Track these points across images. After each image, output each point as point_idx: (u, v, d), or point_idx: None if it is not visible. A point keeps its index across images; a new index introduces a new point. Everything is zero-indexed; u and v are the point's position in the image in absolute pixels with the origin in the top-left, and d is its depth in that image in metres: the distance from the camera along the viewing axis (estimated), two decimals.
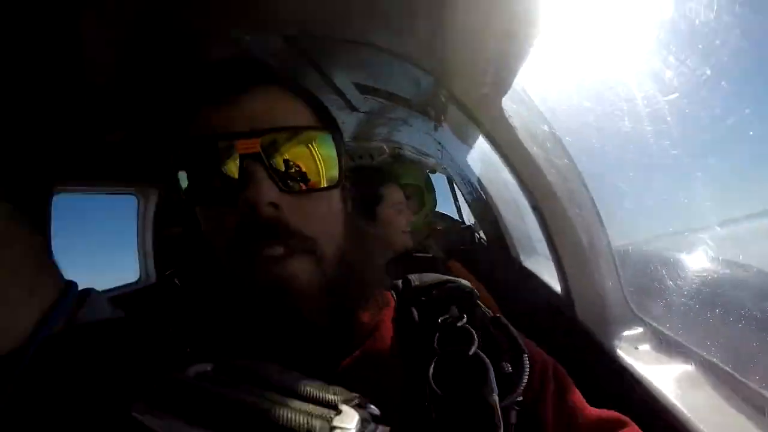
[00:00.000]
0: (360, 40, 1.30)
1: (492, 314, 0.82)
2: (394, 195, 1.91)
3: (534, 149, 1.30)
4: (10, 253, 0.51)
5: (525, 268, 2.10)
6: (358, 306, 0.75)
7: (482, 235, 3.22)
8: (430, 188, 2.65)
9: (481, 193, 2.43)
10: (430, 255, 2.05)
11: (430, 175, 2.95)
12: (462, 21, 0.96)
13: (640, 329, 1.29)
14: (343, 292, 0.71)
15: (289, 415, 0.45)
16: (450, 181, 3.49)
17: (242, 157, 0.64)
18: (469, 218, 3.65)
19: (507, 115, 1.23)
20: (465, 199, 3.29)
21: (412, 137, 2.73)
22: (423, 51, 1.29)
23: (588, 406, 0.77)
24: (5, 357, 0.46)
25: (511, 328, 0.79)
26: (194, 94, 0.73)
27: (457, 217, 3.77)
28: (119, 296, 2.05)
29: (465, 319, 0.76)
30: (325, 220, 0.71)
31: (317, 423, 0.45)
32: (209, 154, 0.66)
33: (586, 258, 1.35)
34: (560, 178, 1.33)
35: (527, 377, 0.72)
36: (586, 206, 1.34)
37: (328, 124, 0.76)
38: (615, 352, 1.24)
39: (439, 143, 2.44)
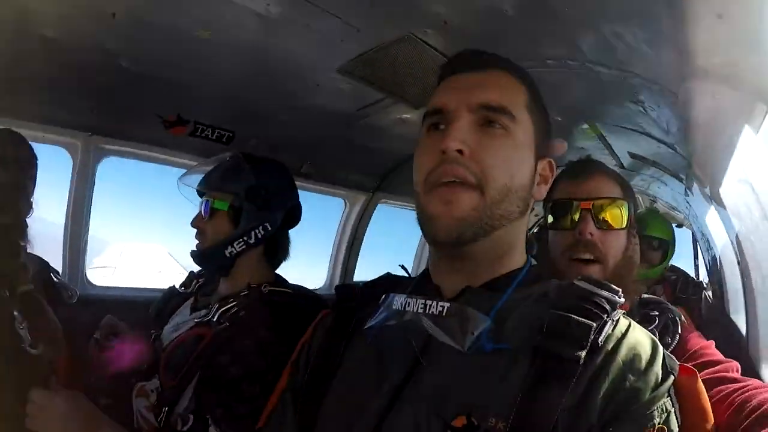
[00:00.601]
0: (637, 129, 2.05)
1: (674, 316, 1.28)
2: None
3: (742, 228, 1.83)
4: None
5: (731, 319, 2.51)
6: None
7: (710, 294, 3.50)
8: (674, 244, 3.10)
9: (715, 251, 2.84)
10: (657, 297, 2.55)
11: (676, 228, 3.37)
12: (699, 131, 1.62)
13: None
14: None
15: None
16: (694, 238, 3.79)
17: (582, 210, 1.27)
18: (704, 277, 3.90)
19: (723, 198, 1.81)
20: (703, 257, 3.60)
21: (666, 193, 3.22)
22: (678, 143, 1.97)
23: (704, 354, 1.19)
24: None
25: (680, 323, 1.27)
26: (563, 177, 1.36)
27: (693, 272, 4.04)
28: None
29: (657, 314, 1.27)
30: (614, 247, 1.27)
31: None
32: (566, 207, 1.29)
33: (765, 314, 1.82)
34: (760, 257, 1.76)
35: (674, 346, 1.22)
36: None
37: (628, 195, 1.33)
38: (762, 373, 1.72)
39: (688, 202, 2.93)
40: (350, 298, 1.05)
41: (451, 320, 0.82)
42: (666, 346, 1.17)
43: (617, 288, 0.85)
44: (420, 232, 0.92)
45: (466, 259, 0.89)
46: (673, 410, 0.73)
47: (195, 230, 1.66)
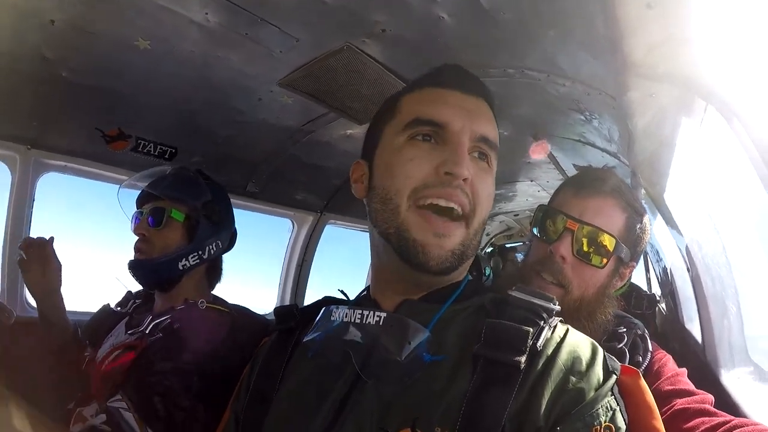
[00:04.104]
0: (580, 139, 2.07)
1: (641, 332, 1.27)
2: None
3: (689, 232, 1.86)
4: None
5: (685, 328, 2.53)
6: (578, 323, 1.17)
7: (663, 306, 3.55)
8: None
9: (665, 262, 2.89)
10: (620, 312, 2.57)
11: None
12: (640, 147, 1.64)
13: (749, 368, 1.73)
14: (571, 315, 1.16)
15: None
16: (644, 255, 3.86)
17: (566, 230, 1.21)
18: (656, 290, 3.97)
19: (669, 204, 1.83)
20: (654, 269, 3.66)
21: None
22: (621, 151, 1.99)
23: (681, 381, 1.16)
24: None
25: (648, 338, 1.27)
26: (569, 182, 1.35)
27: (645, 285, 4.12)
28: None
29: (625, 330, 1.26)
30: (585, 280, 1.22)
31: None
32: (554, 217, 1.24)
33: (717, 317, 1.83)
34: (709, 260, 1.80)
35: (647, 365, 1.20)
36: (727, 284, 1.78)
37: (629, 230, 1.24)
38: (721, 379, 1.72)
39: None
40: (290, 319, 1.04)
41: (389, 330, 0.84)
42: (637, 365, 1.20)
43: (551, 296, 0.87)
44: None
45: (432, 282, 0.91)
46: (618, 408, 0.74)
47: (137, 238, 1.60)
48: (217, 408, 1.25)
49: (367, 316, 0.87)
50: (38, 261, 1.61)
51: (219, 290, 1.75)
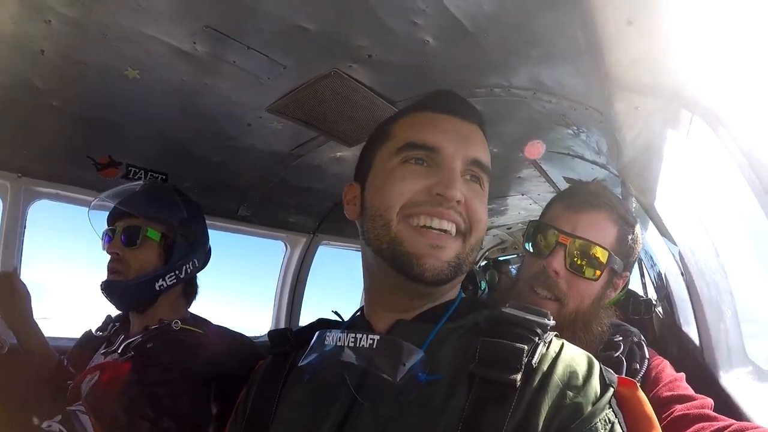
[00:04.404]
0: (569, 153, 2.09)
1: (638, 339, 1.27)
2: None
3: (681, 238, 1.87)
4: None
5: (683, 331, 2.54)
6: (574, 335, 1.19)
7: (660, 310, 3.56)
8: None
9: (659, 267, 2.91)
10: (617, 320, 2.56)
11: None
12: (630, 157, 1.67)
13: (748, 368, 1.73)
14: (567, 327, 1.18)
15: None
16: (639, 261, 3.88)
17: (558, 244, 1.21)
18: (652, 294, 3.99)
19: (659, 211, 1.85)
20: (648, 274, 3.68)
21: None
22: (610, 162, 2.01)
23: (679, 387, 1.15)
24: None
25: (645, 345, 1.26)
26: (560, 197, 1.36)
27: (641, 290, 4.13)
28: None
29: (621, 339, 1.25)
30: (580, 292, 1.22)
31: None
32: (545, 232, 1.25)
33: (713, 321, 1.84)
34: (702, 265, 1.82)
35: (644, 372, 1.19)
36: (722, 288, 1.79)
37: (621, 243, 1.25)
38: (721, 381, 1.72)
39: None
40: (284, 343, 1.04)
41: (383, 352, 0.83)
42: (634, 373, 1.20)
43: (545, 311, 0.87)
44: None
45: (427, 295, 0.92)
46: (616, 420, 0.74)
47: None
48: (185, 422, 1.26)
49: (361, 339, 0.87)
50: (6, 292, 1.60)
51: (213, 313, 1.73)
